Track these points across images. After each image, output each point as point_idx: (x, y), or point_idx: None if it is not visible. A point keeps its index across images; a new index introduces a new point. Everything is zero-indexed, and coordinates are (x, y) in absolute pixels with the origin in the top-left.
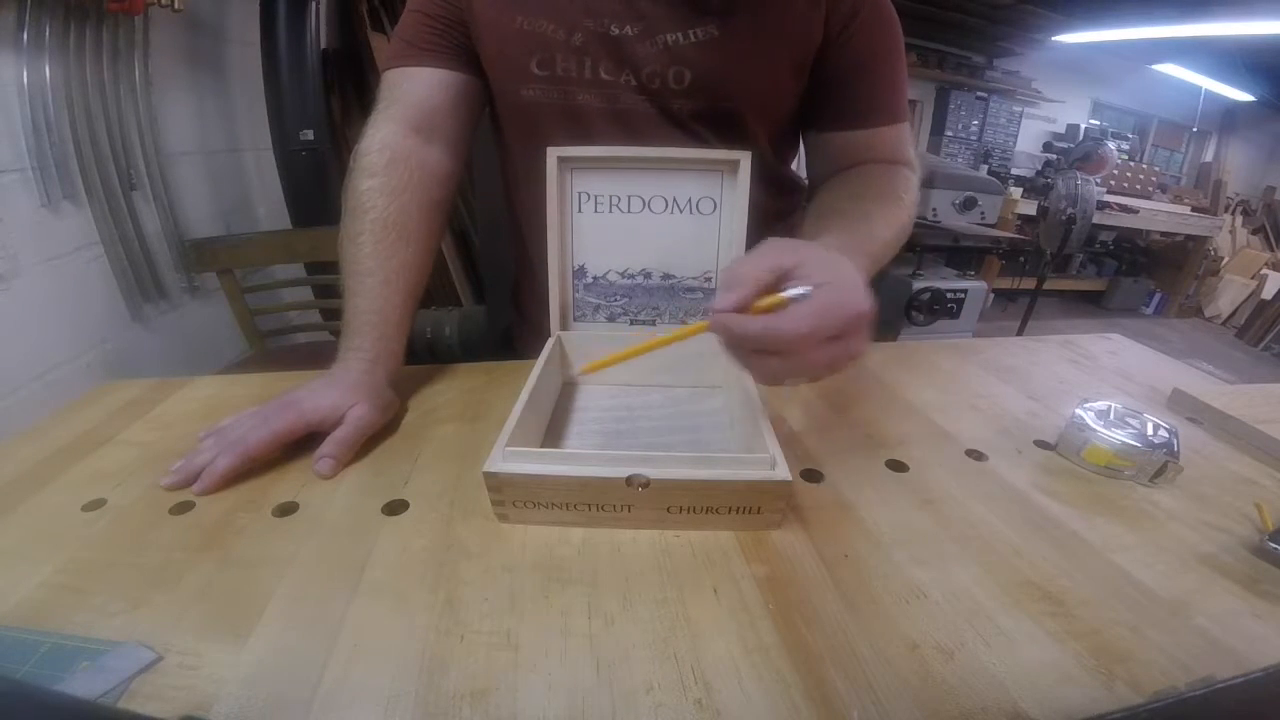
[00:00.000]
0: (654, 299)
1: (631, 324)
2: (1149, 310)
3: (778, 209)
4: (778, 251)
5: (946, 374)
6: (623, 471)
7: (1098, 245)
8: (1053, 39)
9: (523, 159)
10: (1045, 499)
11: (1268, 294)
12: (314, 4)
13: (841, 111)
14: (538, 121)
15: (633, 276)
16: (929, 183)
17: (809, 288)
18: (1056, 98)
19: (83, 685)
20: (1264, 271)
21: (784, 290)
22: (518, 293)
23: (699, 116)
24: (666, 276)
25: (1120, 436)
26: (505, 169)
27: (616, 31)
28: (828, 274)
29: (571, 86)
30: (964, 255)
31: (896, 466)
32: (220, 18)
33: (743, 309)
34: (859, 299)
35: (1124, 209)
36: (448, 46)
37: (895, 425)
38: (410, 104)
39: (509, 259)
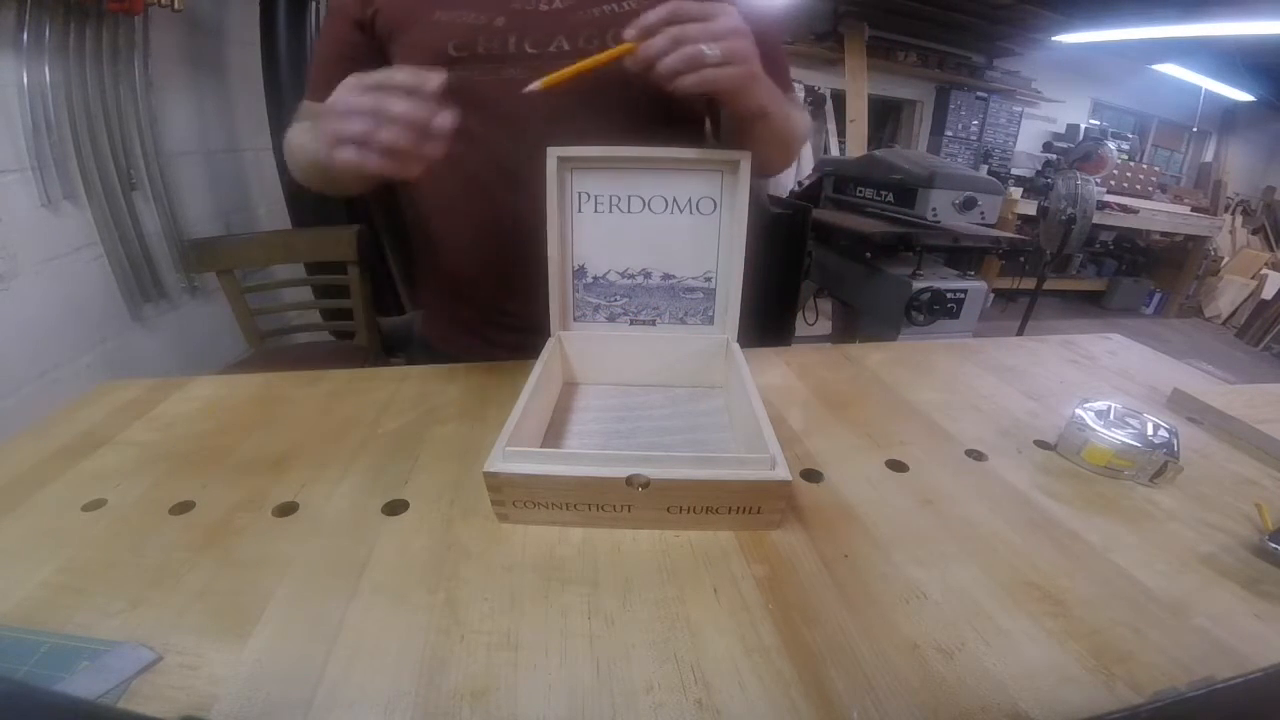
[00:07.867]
0: (654, 299)
1: (631, 324)
2: (1149, 310)
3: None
4: None
5: (946, 374)
6: (623, 471)
7: (1098, 245)
8: (1053, 39)
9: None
10: (1045, 499)
11: (1268, 294)
12: (314, 4)
13: None
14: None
15: (633, 276)
16: (929, 183)
17: None
18: (1056, 98)
19: (83, 685)
20: (1264, 271)
21: None
22: (416, 286)
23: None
24: (666, 276)
25: (1120, 436)
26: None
27: (545, 7)
28: None
29: (495, 64)
30: (964, 255)
31: (896, 466)
32: (220, 18)
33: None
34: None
35: (1124, 209)
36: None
37: (895, 425)
38: None
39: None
